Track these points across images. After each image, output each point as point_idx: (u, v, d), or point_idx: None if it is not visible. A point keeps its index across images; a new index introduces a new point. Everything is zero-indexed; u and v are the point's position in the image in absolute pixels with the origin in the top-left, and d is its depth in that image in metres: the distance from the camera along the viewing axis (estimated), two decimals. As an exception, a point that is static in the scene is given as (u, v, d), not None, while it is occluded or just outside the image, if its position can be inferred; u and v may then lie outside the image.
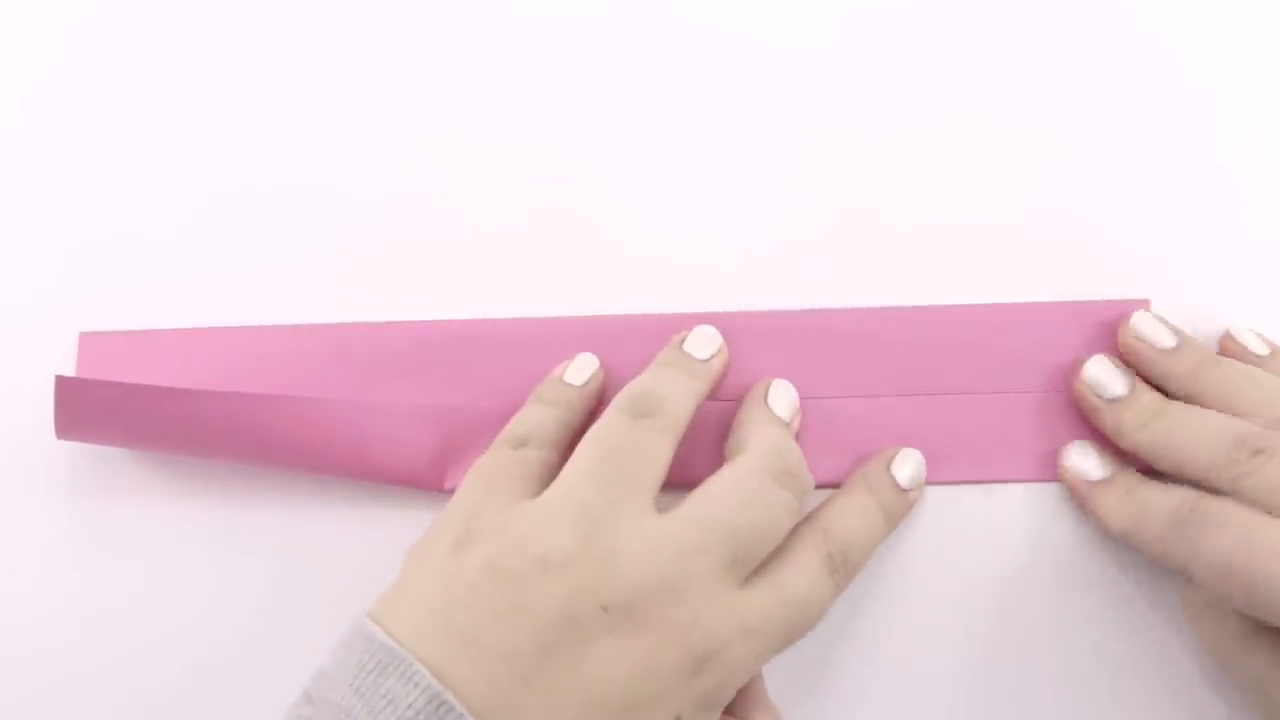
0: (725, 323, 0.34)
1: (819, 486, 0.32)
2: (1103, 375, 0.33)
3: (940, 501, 0.34)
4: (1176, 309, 0.34)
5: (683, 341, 0.33)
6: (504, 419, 0.32)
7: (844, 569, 0.30)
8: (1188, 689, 0.33)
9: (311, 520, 0.34)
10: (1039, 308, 0.34)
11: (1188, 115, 0.36)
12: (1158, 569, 0.33)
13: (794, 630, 0.28)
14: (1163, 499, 0.31)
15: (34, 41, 0.37)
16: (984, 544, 0.33)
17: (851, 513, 0.31)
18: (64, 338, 0.34)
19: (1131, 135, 0.36)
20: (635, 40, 0.37)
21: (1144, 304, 0.34)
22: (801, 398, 0.33)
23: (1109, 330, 0.34)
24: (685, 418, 0.30)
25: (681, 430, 0.30)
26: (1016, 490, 0.34)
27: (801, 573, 0.29)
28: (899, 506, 0.32)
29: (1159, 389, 0.33)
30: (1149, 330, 0.33)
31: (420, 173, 0.36)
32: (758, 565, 0.28)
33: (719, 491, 0.29)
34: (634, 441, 0.29)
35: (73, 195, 0.36)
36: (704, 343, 0.33)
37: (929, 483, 0.33)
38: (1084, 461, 0.33)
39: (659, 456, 0.29)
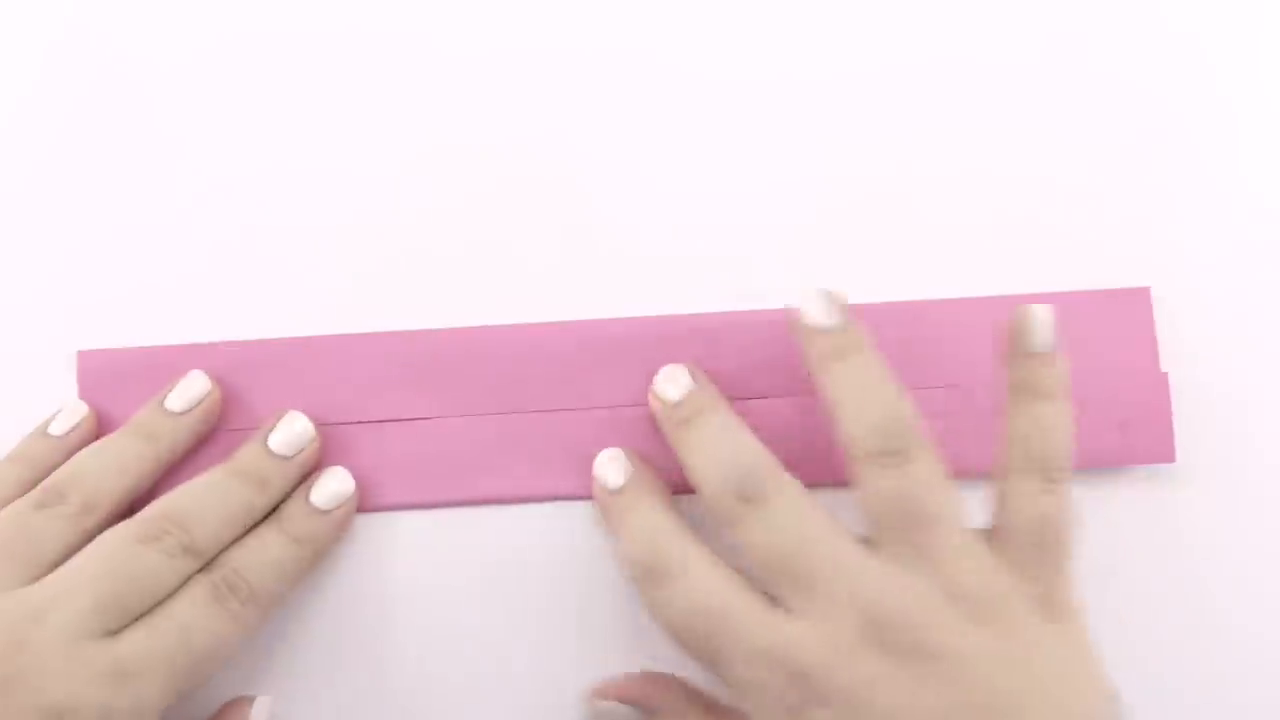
0: (724, 322, 0.34)
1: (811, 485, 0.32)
2: (662, 379, 0.33)
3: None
4: (1177, 298, 0.35)
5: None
6: (514, 426, 0.32)
7: (238, 595, 0.30)
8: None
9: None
10: (1036, 299, 0.34)
11: (1188, 104, 0.37)
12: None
13: (178, 662, 0.28)
14: (630, 544, 0.31)
15: (28, 49, 0.36)
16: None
17: (250, 544, 0.31)
18: (62, 356, 0.34)
19: (1131, 125, 0.36)
20: (633, 44, 0.36)
21: (1144, 292, 0.35)
22: (796, 395, 0.34)
23: (1106, 319, 0.34)
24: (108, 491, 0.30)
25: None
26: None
27: (179, 604, 0.29)
28: (314, 528, 0.32)
29: None
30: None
31: (418, 184, 0.35)
32: (137, 615, 0.28)
33: (84, 555, 0.29)
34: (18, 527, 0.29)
35: (67, 212, 0.35)
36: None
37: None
38: (609, 467, 0.33)
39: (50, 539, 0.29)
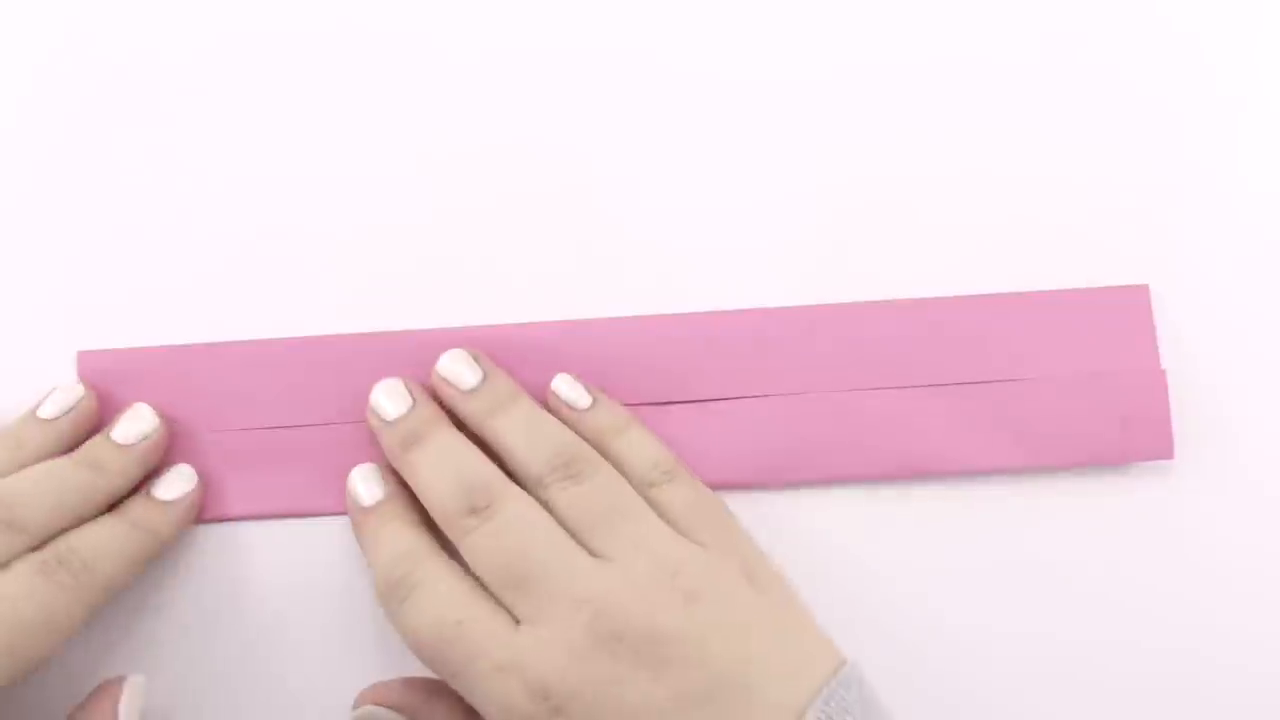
0: (720, 321, 0.34)
1: (815, 483, 0.32)
2: (378, 397, 0.33)
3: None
4: (1176, 295, 0.35)
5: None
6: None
7: (68, 568, 0.29)
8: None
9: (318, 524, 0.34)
10: (1035, 297, 0.35)
11: (1187, 100, 0.37)
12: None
13: (10, 639, 0.28)
14: (380, 558, 0.31)
15: (29, 50, 0.36)
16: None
17: (88, 528, 0.31)
18: (62, 357, 0.33)
19: (1130, 122, 0.36)
20: (639, 46, 0.36)
21: (1143, 290, 0.35)
22: (796, 393, 0.34)
23: (1105, 317, 0.34)
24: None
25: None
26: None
27: (3, 578, 0.29)
28: (152, 516, 0.32)
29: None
30: (451, 371, 0.33)
31: (418, 185, 0.35)
32: None
33: None
34: None
35: (68, 213, 0.35)
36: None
37: (934, 474, 0.34)
38: (361, 485, 0.33)
39: None
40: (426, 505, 0.31)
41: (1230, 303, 0.35)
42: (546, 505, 0.30)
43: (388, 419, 0.32)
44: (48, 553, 0.29)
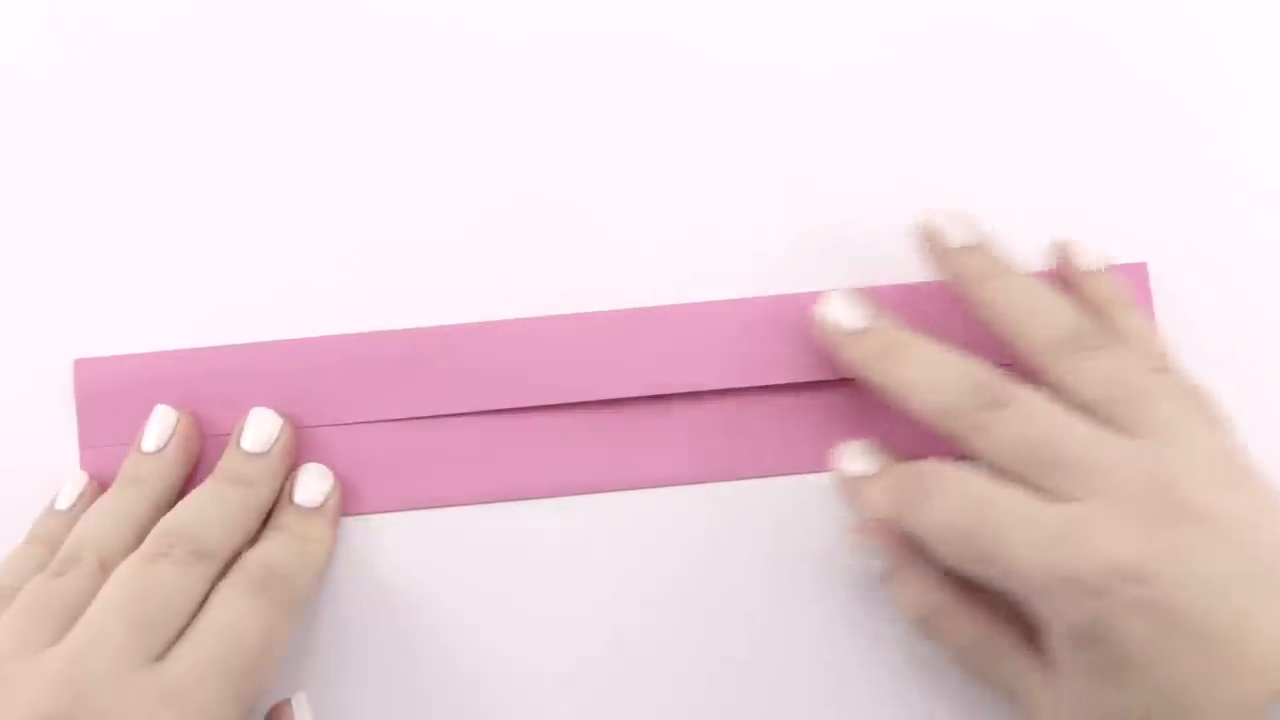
0: (717, 310, 0.34)
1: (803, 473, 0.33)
2: (835, 307, 0.32)
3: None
4: (1175, 273, 0.34)
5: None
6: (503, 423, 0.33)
7: (268, 583, 0.30)
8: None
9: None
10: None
11: (1186, 79, 0.36)
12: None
13: (233, 665, 0.28)
14: (904, 470, 0.30)
15: (25, 51, 0.37)
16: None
17: (263, 543, 0.31)
18: (58, 366, 0.34)
19: (1129, 100, 0.36)
20: (635, 39, 0.37)
21: (1141, 268, 0.34)
22: (783, 382, 0.34)
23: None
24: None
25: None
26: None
27: (214, 608, 0.29)
28: (309, 525, 0.32)
29: None
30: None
31: (410, 182, 0.36)
32: (176, 632, 0.28)
33: (108, 586, 0.29)
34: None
35: (63, 221, 0.36)
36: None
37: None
38: (851, 462, 0.32)
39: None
40: (922, 408, 0.30)
41: (1229, 280, 0.35)
42: (1057, 387, 0.29)
43: (852, 328, 0.32)
44: (243, 574, 0.30)
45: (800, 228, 0.35)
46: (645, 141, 0.36)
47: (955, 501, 0.28)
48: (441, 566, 0.34)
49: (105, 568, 0.30)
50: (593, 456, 0.34)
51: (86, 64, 0.36)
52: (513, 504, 0.34)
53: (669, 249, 0.35)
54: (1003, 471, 0.28)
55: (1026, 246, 0.34)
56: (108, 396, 0.34)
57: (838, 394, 0.34)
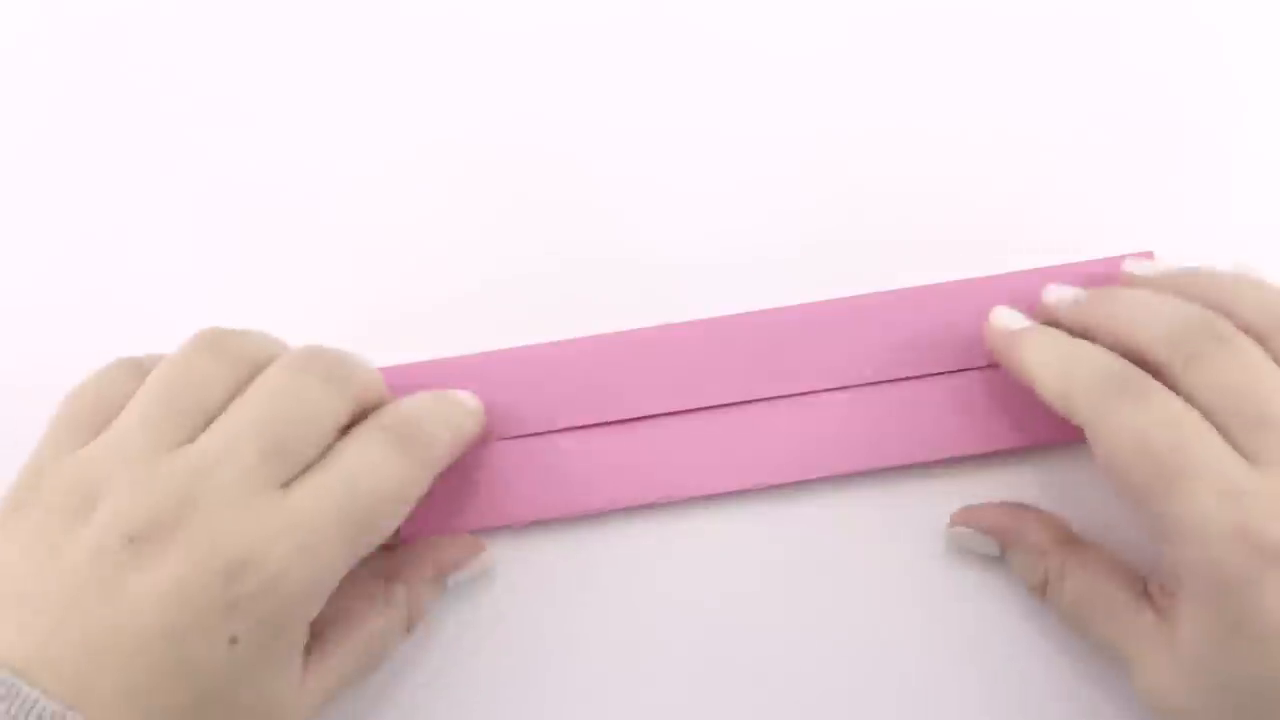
0: (729, 326, 0.34)
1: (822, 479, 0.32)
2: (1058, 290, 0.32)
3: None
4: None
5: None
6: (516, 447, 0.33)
7: (411, 439, 0.29)
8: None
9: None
10: (1041, 273, 0.34)
11: (1192, 74, 0.36)
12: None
13: (357, 511, 0.27)
14: (1097, 355, 0.29)
15: (20, 50, 0.37)
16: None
17: (406, 400, 0.30)
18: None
19: (1135, 95, 0.36)
20: (630, 50, 0.37)
21: (1147, 257, 0.34)
22: (800, 392, 0.34)
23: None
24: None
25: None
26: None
27: (352, 454, 0.28)
28: (456, 397, 0.32)
29: None
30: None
31: (419, 187, 0.36)
32: (306, 464, 0.27)
33: (242, 402, 0.27)
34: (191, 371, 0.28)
35: (71, 222, 0.36)
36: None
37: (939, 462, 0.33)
38: (1010, 318, 0.32)
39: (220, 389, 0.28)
40: (1142, 333, 0.28)
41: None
42: None
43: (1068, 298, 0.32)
44: (382, 420, 0.29)
45: (822, 225, 0.36)
46: (666, 144, 0.36)
47: (1157, 413, 0.27)
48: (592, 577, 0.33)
49: (249, 362, 0.28)
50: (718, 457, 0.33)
51: (86, 64, 0.37)
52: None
53: (683, 260, 0.35)
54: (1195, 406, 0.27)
55: (1033, 245, 0.34)
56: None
57: (960, 380, 0.34)
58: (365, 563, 0.28)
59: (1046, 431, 0.33)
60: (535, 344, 0.34)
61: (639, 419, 0.33)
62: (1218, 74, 0.36)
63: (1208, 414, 0.27)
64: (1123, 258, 0.33)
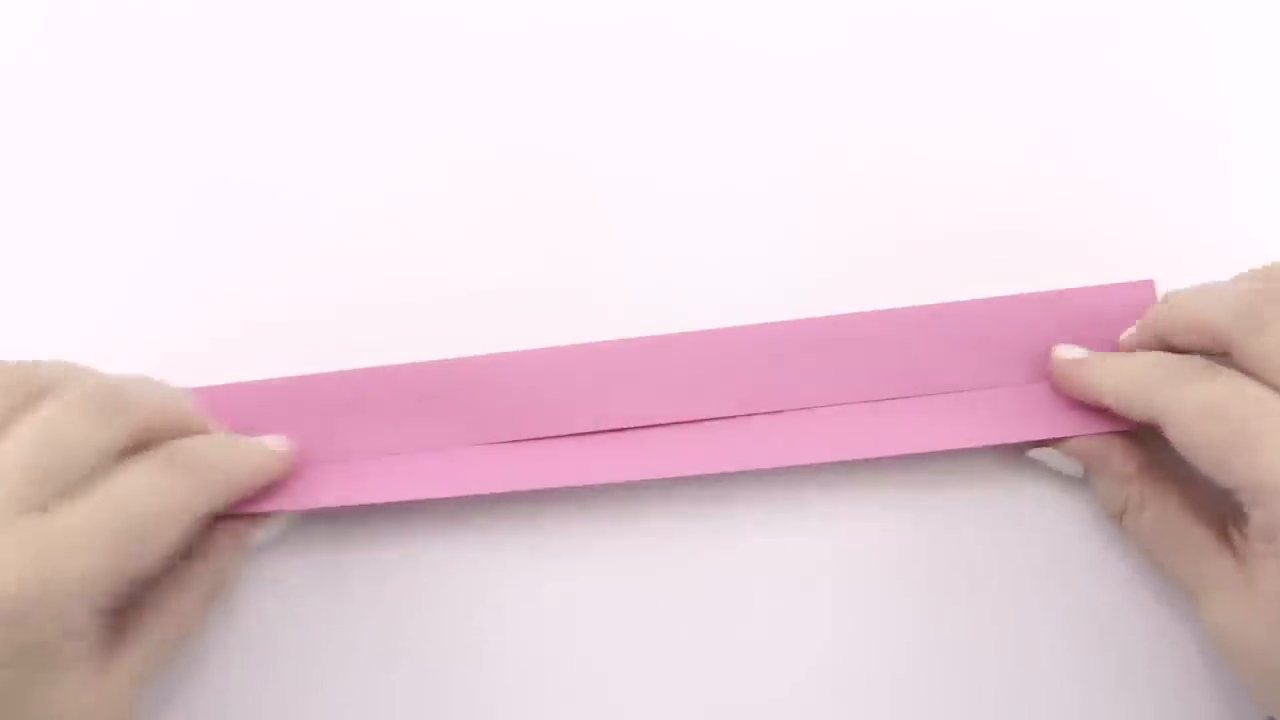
0: (726, 338, 0.33)
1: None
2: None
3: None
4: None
5: None
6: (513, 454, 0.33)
7: (189, 468, 0.29)
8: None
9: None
10: (1041, 298, 0.33)
11: (1191, 96, 0.36)
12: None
13: (124, 529, 0.27)
14: (1159, 355, 0.30)
15: (17, 49, 0.38)
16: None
17: (195, 438, 0.30)
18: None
19: (1134, 117, 0.36)
20: (629, 50, 0.37)
21: (1148, 285, 0.33)
22: (806, 406, 0.33)
23: (1110, 313, 0.33)
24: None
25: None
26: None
27: (119, 477, 0.28)
28: (244, 440, 0.32)
29: None
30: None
31: (414, 187, 0.36)
32: (72, 489, 0.27)
33: (18, 427, 0.27)
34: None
35: (64, 230, 0.36)
36: None
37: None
38: (1071, 351, 0.32)
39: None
40: (1198, 323, 0.29)
41: None
42: None
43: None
44: (156, 451, 0.29)
45: (820, 237, 0.35)
46: (661, 147, 0.36)
47: (1225, 385, 0.28)
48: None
49: (21, 392, 0.28)
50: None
51: (86, 64, 0.37)
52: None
53: (683, 257, 0.35)
54: (1265, 378, 0.28)
55: (1033, 270, 0.34)
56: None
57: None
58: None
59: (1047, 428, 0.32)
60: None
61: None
62: (1222, 96, 0.36)
63: (1269, 380, 0.28)
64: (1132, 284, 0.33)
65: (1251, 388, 0.27)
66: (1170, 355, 0.30)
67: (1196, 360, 0.29)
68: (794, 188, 0.36)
